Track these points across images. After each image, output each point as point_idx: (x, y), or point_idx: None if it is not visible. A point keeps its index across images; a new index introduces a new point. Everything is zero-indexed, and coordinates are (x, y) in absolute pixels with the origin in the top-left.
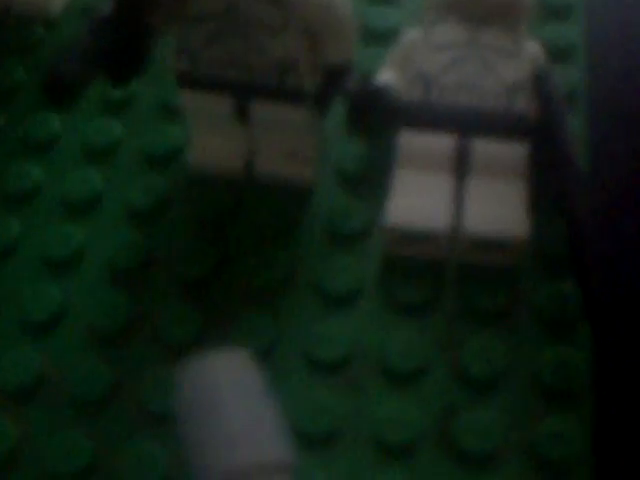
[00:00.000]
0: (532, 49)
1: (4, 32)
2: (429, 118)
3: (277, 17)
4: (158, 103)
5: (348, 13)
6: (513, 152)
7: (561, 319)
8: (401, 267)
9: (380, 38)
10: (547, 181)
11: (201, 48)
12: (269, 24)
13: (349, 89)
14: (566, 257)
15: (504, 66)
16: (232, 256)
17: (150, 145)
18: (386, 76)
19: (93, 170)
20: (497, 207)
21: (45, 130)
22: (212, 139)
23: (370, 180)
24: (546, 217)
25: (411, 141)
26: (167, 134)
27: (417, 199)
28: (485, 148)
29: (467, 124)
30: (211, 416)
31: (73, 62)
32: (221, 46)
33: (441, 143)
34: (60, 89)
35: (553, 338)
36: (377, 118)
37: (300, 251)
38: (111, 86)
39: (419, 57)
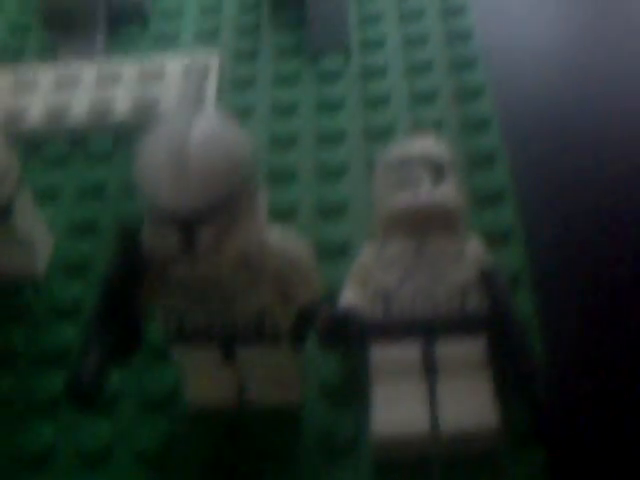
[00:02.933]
0: (474, 249)
1: None
2: (393, 331)
3: (249, 278)
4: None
5: (313, 261)
6: (473, 348)
7: None
8: (393, 469)
9: (332, 253)
10: (506, 369)
11: (186, 310)
12: (242, 285)
13: (319, 319)
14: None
15: (452, 270)
16: None
17: (148, 389)
18: (349, 296)
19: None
20: (467, 402)
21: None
22: (205, 380)
23: (353, 392)
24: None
25: (380, 354)
26: (162, 377)
27: (395, 407)
28: (448, 349)
29: (427, 330)
30: None
31: (89, 365)
32: (204, 307)
33: (408, 351)
34: (85, 394)
35: None
36: (347, 340)
37: (297, 468)
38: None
39: (375, 273)
